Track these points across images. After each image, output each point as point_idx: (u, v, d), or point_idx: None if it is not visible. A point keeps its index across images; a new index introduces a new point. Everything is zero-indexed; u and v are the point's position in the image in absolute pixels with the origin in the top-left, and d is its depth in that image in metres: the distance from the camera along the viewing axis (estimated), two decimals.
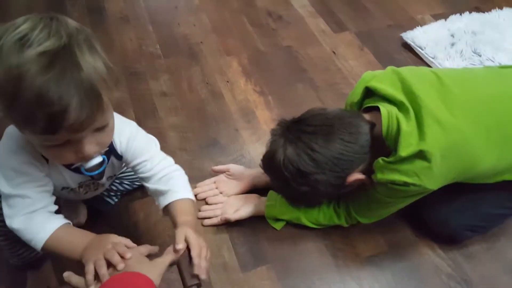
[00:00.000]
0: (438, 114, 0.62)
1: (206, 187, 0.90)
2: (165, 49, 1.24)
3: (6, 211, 0.57)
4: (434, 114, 0.62)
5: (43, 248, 0.56)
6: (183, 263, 0.56)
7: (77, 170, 0.61)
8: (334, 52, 1.25)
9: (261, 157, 0.95)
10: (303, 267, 0.79)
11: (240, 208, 0.83)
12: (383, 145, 0.66)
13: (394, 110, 0.65)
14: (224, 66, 1.20)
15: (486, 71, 0.78)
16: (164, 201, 0.63)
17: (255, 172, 0.89)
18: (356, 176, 0.67)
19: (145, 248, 0.55)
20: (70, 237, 0.56)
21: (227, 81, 1.15)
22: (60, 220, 0.59)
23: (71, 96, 0.43)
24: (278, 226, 0.84)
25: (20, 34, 0.43)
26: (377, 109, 0.67)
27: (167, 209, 0.63)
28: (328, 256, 0.81)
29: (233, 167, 0.89)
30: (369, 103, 0.70)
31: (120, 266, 0.50)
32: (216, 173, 0.91)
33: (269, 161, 0.70)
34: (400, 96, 0.65)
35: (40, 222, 0.57)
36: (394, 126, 0.64)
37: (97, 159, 0.55)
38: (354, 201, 0.77)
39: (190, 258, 0.55)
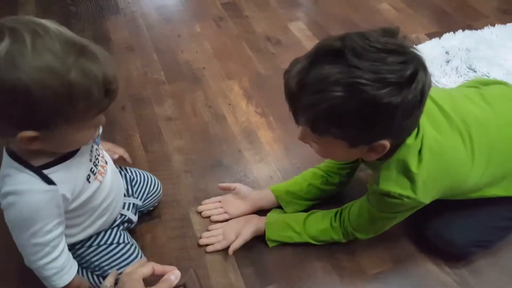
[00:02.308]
0: (429, 127, 0.63)
1: (211, 205, 0.91)
2: (169, 75, 1.29)
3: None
4: (426, 126, 0.63)
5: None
6: (189, 284, 0.57)
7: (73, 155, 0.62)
8: None
9: (264, 177, 0.99)
10: (309, 286, 0.79)
11: (241, 230, 0.82)
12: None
13: None
14: (226, 90, 1.24)
15: (469, 92, 0.75)
16: None
17: (262, 193, 0.90)
18: (386, 142, 0.57)
19: (148, 269, 0.55)
20: None
21: (229, 104, 1.19)
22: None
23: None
24: (271, 244, 0.84)
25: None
26: None
27: None
28: (333, 274, 0.81)
29: (240, 187, 0.90)
30: None
31: None
32: (223, 190, 0.92)
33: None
34: None
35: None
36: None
37: None
38: (350, 215, 0.78)
39: (199, 282, 0.56)
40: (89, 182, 0.64)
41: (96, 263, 0.73)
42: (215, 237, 0.85)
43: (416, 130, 0.62)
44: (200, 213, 0.91)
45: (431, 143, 0.62)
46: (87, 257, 0.73)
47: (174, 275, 0.55)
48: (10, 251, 0.83)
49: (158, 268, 0.56)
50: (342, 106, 0.51)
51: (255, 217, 0.86)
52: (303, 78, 0.53)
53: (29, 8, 1.61)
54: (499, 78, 1.19)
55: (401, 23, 1.50)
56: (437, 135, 0.63)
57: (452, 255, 0.81)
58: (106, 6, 1.62)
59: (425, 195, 0.65)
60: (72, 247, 0.70)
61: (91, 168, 0.64)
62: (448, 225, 0.78)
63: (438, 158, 0.63)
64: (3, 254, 0.83)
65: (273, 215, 0.85)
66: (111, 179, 0.70)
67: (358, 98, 0.50)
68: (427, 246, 0.83)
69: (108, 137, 1.10)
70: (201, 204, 0.92)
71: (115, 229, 0.77)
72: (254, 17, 1.54)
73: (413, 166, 0.62)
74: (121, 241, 0.75)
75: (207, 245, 0.85)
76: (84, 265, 0.74)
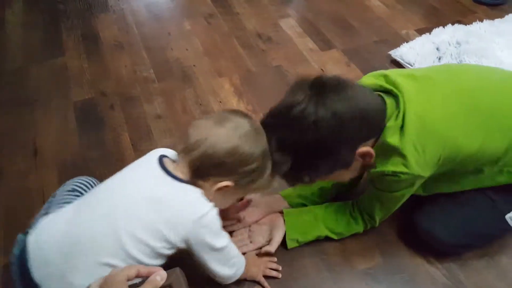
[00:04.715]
0: (416, 101, 0.65)
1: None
2: (159, 73, 1.28)
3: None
4: (412, 101, 0.65)
5: None
6: (175, 284, 0.57)
7: None
8: (322, 70, 1.29)
9: None
10: (300, 284, 0.79)
11: (272, 234, 0.82)
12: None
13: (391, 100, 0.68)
14: (216, 87, 1.23)
15: (468, 66, 0.81)
16: None
17: (273, 198, 0.89)
18: (366, 148, 0.66)
19: (132, 271, 0.54)
20: None
21: (220, 102, 1.18)
22: None
23: None
24: (290, 245, 0.83)
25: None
26: None
27: None
28: (324, 271, 0.81)
29: (250, 196, 0.89)
30: None
31: None
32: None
33: (293, 114, 0.63)
34: (386, 85, 0.69)
35: None
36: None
37: None
38: (363, 202, 0.81)
39: (186, 281, 0.56)
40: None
41: None
42: (241, 241, 0.84)
43: (396, 112, 0.65)
44: None
45: (412, 117, 0.64)
46: None
47: (159, 275, 0.55)
48: None
49: (143, 269, 0.55)
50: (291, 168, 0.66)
51: (277, 217, 0.85)
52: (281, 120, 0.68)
53: (16, 5, 1.59)
54: None
55: (391, 19, 1.50)
56: (423, 106, 0.65)
57: (440, 253, 0.82)
58: (95, 3, 1.61)
59: (421, 167, 0.66)
60: None
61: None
62: (438, 223, 0.78)
63: (420, 128, 0.64)
64: None
65: (291, 218, 0.84)
66: None
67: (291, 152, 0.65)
68: (416, 241, 0.83)
69: (96, 136, 1.09)
70: None
71: None
72: (245, 14, 1.54)
73: (396, 142, 0.64)
74: None
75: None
76: None
